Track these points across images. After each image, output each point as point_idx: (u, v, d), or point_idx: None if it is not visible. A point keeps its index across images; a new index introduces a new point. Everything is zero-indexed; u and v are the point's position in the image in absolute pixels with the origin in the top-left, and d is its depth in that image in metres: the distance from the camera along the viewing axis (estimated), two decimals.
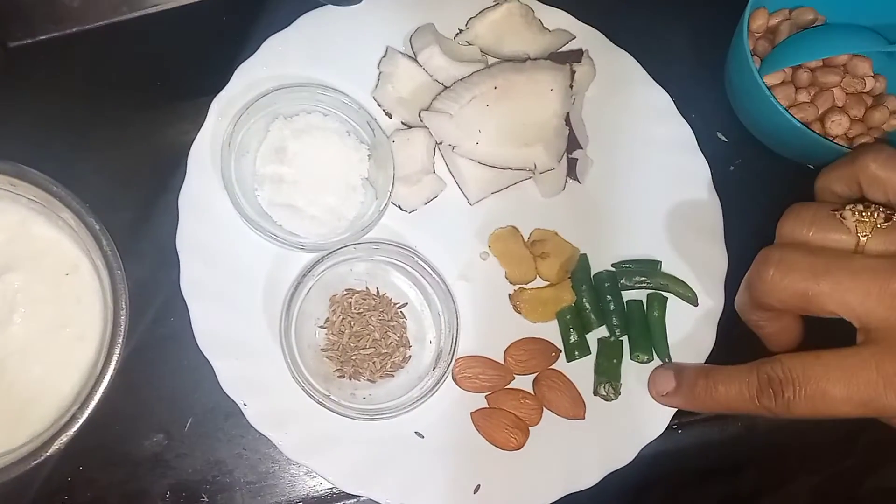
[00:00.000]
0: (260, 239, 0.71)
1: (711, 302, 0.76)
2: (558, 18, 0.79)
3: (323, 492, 0.72)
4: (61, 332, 0.67)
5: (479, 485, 0.71)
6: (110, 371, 0.63)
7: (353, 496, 0.70)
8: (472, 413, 0.72)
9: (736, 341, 0.75)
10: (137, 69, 0.77)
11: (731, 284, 0.75)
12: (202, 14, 0.73)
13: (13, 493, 0.69)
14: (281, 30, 0.75)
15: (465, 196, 0.77)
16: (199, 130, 0.73)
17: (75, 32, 0.69)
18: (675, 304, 0.76)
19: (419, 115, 0.74)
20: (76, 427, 0.62)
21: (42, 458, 0.62)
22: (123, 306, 0.64)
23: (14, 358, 0.66)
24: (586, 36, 0.79)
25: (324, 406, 0.68)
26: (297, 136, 0.72)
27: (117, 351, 0.64)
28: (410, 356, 0.73)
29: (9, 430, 0.65)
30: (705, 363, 0.74)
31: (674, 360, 0.74)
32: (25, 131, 0.73)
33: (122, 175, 0.75)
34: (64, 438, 0.62)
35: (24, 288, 0.67)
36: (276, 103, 0.72)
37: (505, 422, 0.71)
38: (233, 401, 0.69)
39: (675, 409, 0.73)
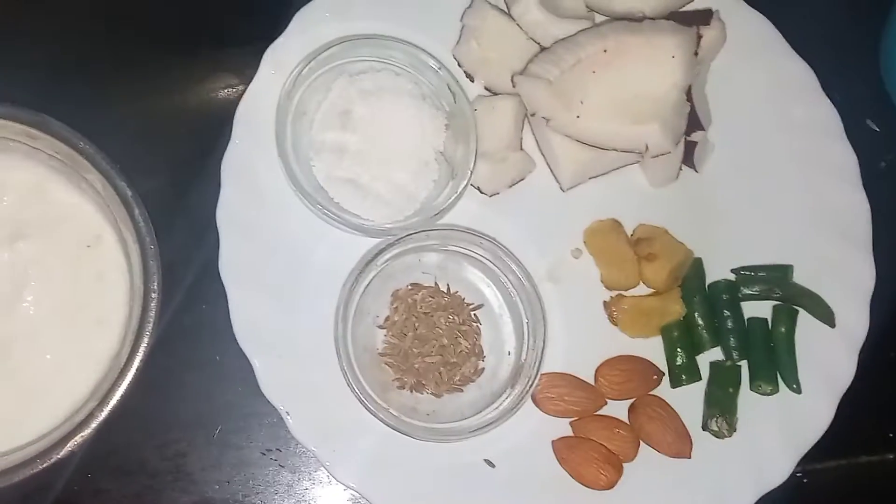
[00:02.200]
0: (314, 218, 0.71)
1: (852, 323, 0.74)
2: None
3: None
4: (78, 315, 0.67)
5: None
6: (135, 364, 0.63)
7: None
8: (553, 442, 0.71)
9: (881, 374, 0.74)
10: (175, 10, 0.77)
11: (879, 304, 0.74)
12: None
13: (9, 500, 0.69)
14: None
15: (558, 180, 0.75)
16: (247, 85, 0.73)
17: None
18: (805, 323, 0.74)
19: (511, 80, 0.73)
20: (92, 427, 0.62)
21: (52, 461, 0.62)
22: (155, 288, 0.64)
23: (21, 342, 0.66)
24: None
25: (380, 420, 0.67)
26: (363, 97, 0.72)
27: (145, 340, 0.63)
28: (483, 368, 0.72)
29: (13, 425, 0.65)
30: (840, 400, 0.72)
31: (803, 392, 0.72)
32: (45, 80, 0.73)
33: (154, 134, 0.75)
34: (78, 440, 0.62)
35: (37, 260, 0.67)
36: (342, 58, 0.72)
37: (594, 455, 0.70)
38: (272, 407, 0.69)
39: (802, 453, 0.71)
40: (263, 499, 0.72)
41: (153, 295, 0.64)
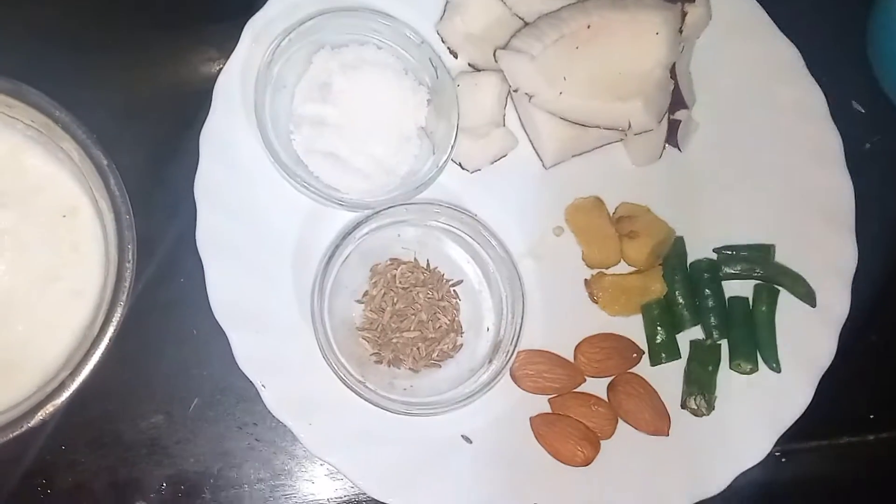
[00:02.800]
0: (293, 191, 0.70)
1: (833, 304, 0.74)
2: None
3: (347, 497, 0.71)
4: (52, 285, 0.66)
5: (535, 503, 0.69)
6: (109, 334, 0.62)
7: None
8: (531, 418, 0.71)
9: (861, 354, 0.74)
10: None
11: (860, 284, 0.73)
12: None
13: None
14: None
15: (540, 157, 0.75)
16: (227, 58, 0.72)
17: None
18: (786, 303, 0.74)
19: (493, 56, 0.72)
20: (65, 397, 0.62)
21: (23, 429, 0.61)
22: (130, 259, 0.63)
23: None
24: None
25: (357, 394, 0.67)
26: (344, 70, 0.71)
27: (119, 311, 0.63)
28: (462, 344, 0.72)
29: None
30: (820, 379, 0.72)
31: (783, 371, 0.72)
32: (23, 47, 0.72)
33: (134, 105, 0.75)
34: (49, 409, 0.61)
35: (11, 229, 0.66)
36: (322, 30, 0.71)
37: (571, 431, 0.70)
38: (248, 381, 0.68)
39: (780, 432, 0.71)
40: (239, 473, 0.71)
41: (128, 265, 0.63)
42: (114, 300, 0.63)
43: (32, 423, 0.61)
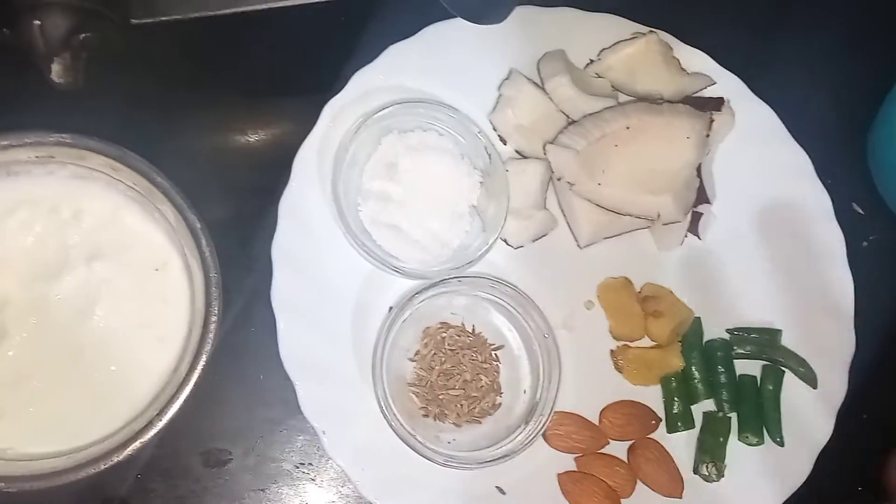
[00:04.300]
0: (357, 257, 0.71)
1: (832, 386, 0.74)
2: (698, 60, 0.78)
3: None
4: (142, 332, 0.67)
5: None
6: (194, 379, 0.63)
7: None
8: (559, 475, 0.71)
9: (855, 433, 0.74)
10: (249, 61, 0.77)
11: (857, 370, 0.74)
12: (323, 13, 0.73)
13: (68, 497, 0.68)
14: (404, 39, 0.75)
15: (576, 238, 0.76)
16: (305, 132, 0.73)
17: (195, 18, 0.69)
18: (790, 383, 0.74)
19: (543, 148, 0.73)
20: (151, 434, 0.62)
21: (112, 462, 0.61)
22: (215, 312, 0.64)
23: (90, 352, 0.66)
24: (726, 82, 0.78)
25: (407, 444, 0.67)
26: (409, 153, 0.72)
27: (203, 359, 0.63)
28: (500, 404, 0.72)
29: (78, 426, 0.65)
30: (818, 454, 0.72)
31: (786, 445, 0.72)
32: (123, 111, 0.73)
33: (221, 170, 0.75)
34: (137, 445, 0.62)
35: (109, 279, 0.67)
36: (393, 116, 0.72)
37: (595, 489, 0.70)
38: (309, 425, 0.69)
39: (783, 500, 0.71)
40: None
41: (213, 319, 0.64)
42: (199, 349, 0.64)
43: (121, 457, 0.61)
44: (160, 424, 0.62)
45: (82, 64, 0.62)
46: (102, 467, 0.61)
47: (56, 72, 0.61)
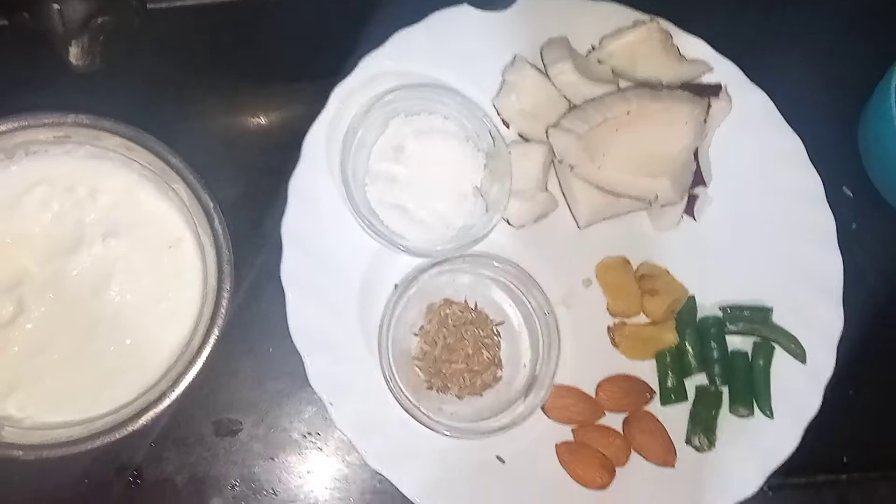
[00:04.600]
0: (362, 236, 0.71)
1: (821, 362, 0.74)
2: (697, 47, 0.78)
3: None
4: (156, 306, 0.67)
5: None
6: (206, 352, 0.64)
7: None
8: (557, 445, 0.72)
9: (841, 409, 0.74)
10: (261, 46, 0.78)
11: (844, 347, 0.74)
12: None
13: (85, 463, 0.69)
14: (411, 24, 0.75)
15: (576, 219, 0.76)
16: (314, 115, 0.73)
17: (211, 3, 0.70)
18: (781, 359, 0.75)
19: (545, 131, 0.73)
20: (165, 405, 0.63)
21: (127, 431, 0.62)
22: (227, 288, 0.65)
23: (107, 325, 0.67)
24: (723, 69, 0.77)
25: (411, 415, 0.68)
26: (416, 136, 0.72)
27: (215, 333, 0.64)
28: (501, 377, 0.72)
29: (93, 397, 0.66)
30: (806, 427, 0.73)
31: (775, 417, 0.73)
32: (139, 94, 0.74)
33: (233, 152, 0.76)
34: (150, 414, 0.63)
35: (124, 256, 0.68)
36: (400, 100, 0.72)
37: (592, 459, 0.71)
38: (316, 396, 0.69)
39: (771, 470, 0.72)
40: (302, 476, 0.72)
41: (225, 294, 0.65)
42: (211, 323, 0.65)
43: (136, 427, 0.62)
44: (173, 395, 0.63)
45: (100, 47, 0.63)
46: (117, 436, 0.62)
47: (74, 54, 0.62)
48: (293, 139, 0.73)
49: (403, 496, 0.69)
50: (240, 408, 0.72)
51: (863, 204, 0.81)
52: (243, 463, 0.71)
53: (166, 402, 0.63)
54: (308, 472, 0.72)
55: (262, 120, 0.77)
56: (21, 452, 0.61)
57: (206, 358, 0.64)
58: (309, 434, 0.73)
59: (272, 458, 0.72)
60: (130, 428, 0.62)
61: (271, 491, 0.71)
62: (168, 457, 0.71)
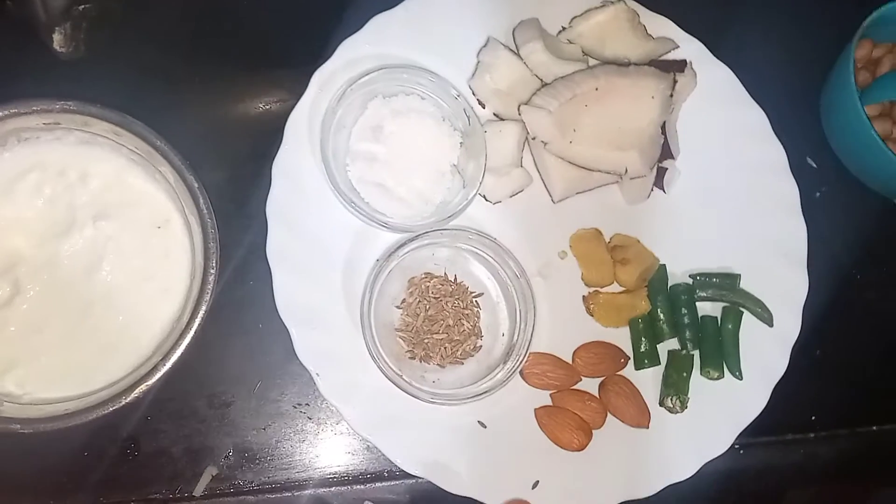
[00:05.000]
0: (347, 214, 0.71)
1: (787, 325, 0.75)
2: (663, 26, 0.78)
3: (381, 468, 0.72)
4: (147, 284, 0.67)
5: (537, 481, 0.71)
6: (195, 327, 0.64)
7: (413, 477, 0.70)
8: (536, 409, 0.72)
9: (808, 369, 0.75)
10: (242, 32, 0.77)
11: (809, 310, 0.75)
12: None
13: (83, 437, 0.70)
14: (388, 9, 0.75)
15: (550, 193, 0.76)
16: (296, 99, 0.73)
17: None
18: (749, 323, 0.75)
19: (518, 109, 0.73)
20: (156, 378, 0.63)
21: (121, 403, 0.62)
22: (214, 265, 0.64)
23: (100, 304, 0.67)
24: (689, 47, 0.78)
25: (394, 384, 0.68)
26: (394, 116, 0.72)
27: (203, 308, 0.64)
28: (481, 346, 0.73)
29: (88, 373, 0.66)
30: (774, 387, 0.73)
31: (744, 379, 0.73)
32: (126, 80, 0.73)
33: (218, 136, 0.76)
34: (143, 388, 0.63)
35: (115, 236, 0.67)
36: (378, 82, 0.72)
37: (569, 422, 0.71)
38: (304, 369, 0.69)
39: (741, 429, 0.72)
40: (292, 444, 0.72)
41: (212, 271, 0.65)
42: (199, 299, 0.64)
43: (129, 399, 0.62)
44: (164, 369, 0.63)
45: (83, 34, 0.62)
46: (111, 409, 0.62)
47: (57, 41, 0.61)
48: (276, 123, 0.73)
49: (390, 460, 0.69)
50: (231, 381, 0.72)
51: (826, 173, 0.81)
52: (236, 433, 0.72)
53: (158, 374, 0.63)
54: (299, 441, 0.72)
55: (246, 104, 0.77)
56: (19, 426, 0.61)
57: (196, 333, 0.64)
58: (298, 405, 0.73)
59: (264, 429, 0.72)
60: (124, 400, 0.62)
61: (264, 459, 0.71)
62: (164, 429, 0.71)
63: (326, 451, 0.72)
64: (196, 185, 0.65)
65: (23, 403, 0.64)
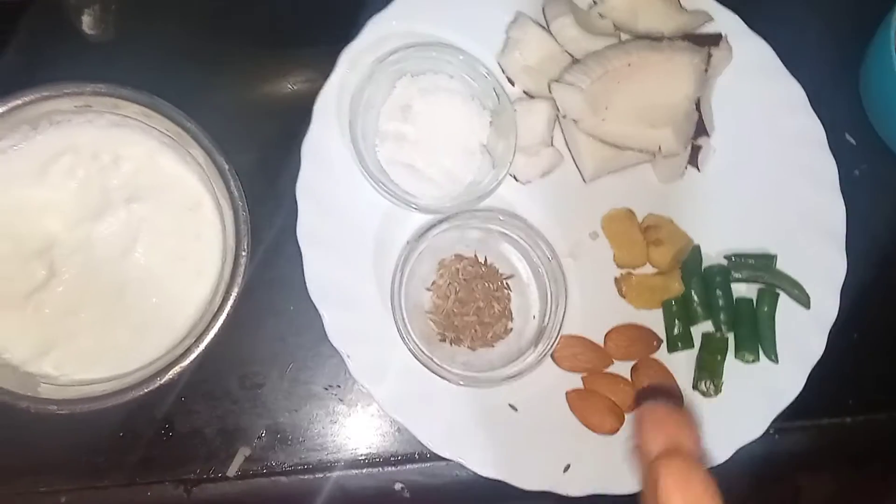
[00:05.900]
0: (376, 195, 0.70)
1: (825, 307, 0.73)
2: None
3: (412, 450, 0.72)
4: (180, 265, 0.67)
5: (569, 464, 0.70)
6: (227, 309, 0.63)
7: (443, 459, 0.70)
8: (567, 393, 0.71)
9: (845, 352, 0.73)
10: (270, 12, 0.76)
11: (847, 292, 0.73)
12: None
13: (119, 418, 0.70)
14: None
15: (581, 173, 0.74)
16: (325, 79, 0.72)
17: None
18: (784, 305, 0.73)
19: (548, 86, 0.72)
20: (190, 359, 0.63)
21: (156, 385, 0.62)
22: (245, 247, 0.64)
23: (134, 285, 0.67)
24: (724, 19, 0.75)
25: (425, 366, 0.67)
26: (422, 95, 0.71)
27: (235, 290, 0.64)
28: (512, 329, 0.72)
29: (123, 355, 0.66)
30: (811, 371, 0.72)
31: (780, 362, 0.72)
32: (156, 62, 0.73)
33: (248, 117, 0.75)
34: (177, 370, 0.63)
35: (148, 218, 0.67)
36: (406, 60, 0.71)
37: (600, 405, 0.70)
38: (335, 350, 0.69)
39: (776, 414, 0.71)
40: (324, 425, 0.72)
41: (243, 253, 0.64)
42: (231, 281, 0.64)
43: (164, 380, 0.62)
44: (198, 350, 0.63)
45: (112, 16, 0.61)
46: (146, 390, 0.62)
47: (87, 24, 0.61)
48: (305, 103, 0.72)
49: (420, 443, 0.69)
50: (263, 363, 0.72)
51: (865, 150, 0.79)
52: (268, 415, 0.71)
53: (191, 356, 0.63)
54: (331, 422, 0.72)
55: (274, 84, 0.76)
56: (56, 407, 0.62)
57: (228, 314, 0.64)
58: (330, 386, 0.72)
59: (296, 410, 0.72)
60: (159, 381, 0.62)
61: (296, 440, 0.71)
62: (197, 410, 0.71)
63: (357, 432, 0.72)
64: (226, 167, 0.64)
65: (60, 385, 0.64)
